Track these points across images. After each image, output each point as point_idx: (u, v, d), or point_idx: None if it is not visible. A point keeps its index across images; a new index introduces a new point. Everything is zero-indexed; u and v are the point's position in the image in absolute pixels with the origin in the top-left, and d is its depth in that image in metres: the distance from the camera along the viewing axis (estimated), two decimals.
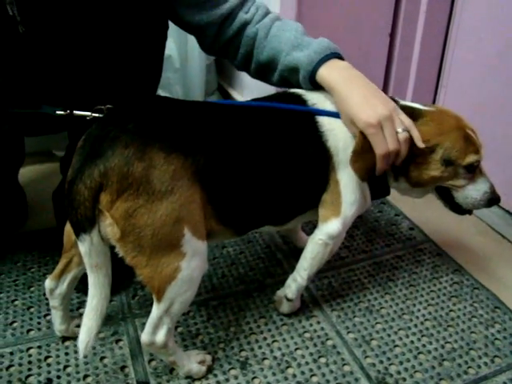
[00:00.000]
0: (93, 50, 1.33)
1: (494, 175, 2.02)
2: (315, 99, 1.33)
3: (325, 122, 1.29)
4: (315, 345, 1.42)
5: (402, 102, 1.37)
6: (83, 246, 1.07)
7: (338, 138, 1.29)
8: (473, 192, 1.39)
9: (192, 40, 2.36)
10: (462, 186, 1.38)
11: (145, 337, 1.20)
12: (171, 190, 1.06)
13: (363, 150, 1.25)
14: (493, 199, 1.41)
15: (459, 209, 1.45)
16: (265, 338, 1.43)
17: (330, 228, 1.34)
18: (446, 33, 2.19)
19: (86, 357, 1.34)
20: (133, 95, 1.38)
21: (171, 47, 2.37)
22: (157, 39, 1.48)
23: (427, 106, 1.39)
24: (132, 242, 1.07)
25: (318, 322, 1.49)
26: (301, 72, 1.36)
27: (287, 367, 1.35)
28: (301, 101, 1.32)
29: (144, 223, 1.05)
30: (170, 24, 2.33)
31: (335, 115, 1.30)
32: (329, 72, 1.31)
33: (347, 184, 1.32)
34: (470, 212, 1.47)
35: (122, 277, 1.56)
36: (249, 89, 2.47)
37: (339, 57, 1.37)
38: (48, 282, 1.31)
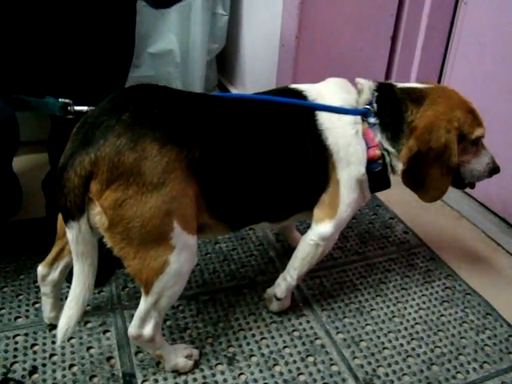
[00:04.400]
0: (61, 25, 1.33)
1: (491, 182, 2.02)
2: (315, 95, 1.31)
3: (325, 119, 1.28)
4: (304, 344, 1.41)
5: (401, 85, 1.35)
6: (71, 233, 1.07)
7: (339, 135, 1.28)
8: (477, 165, 1.38)
9: (194, 35, 2.36)
10: (468, 161, 1.36)
11: (132, 330, 1.19)
12: (163, 182, 1.05)
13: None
14: (494, 169, 1.40)
15: (462, 183, 1.43)
16: (253, 335, 1.42)
17: (322, 229, 1.33)
18: (447, 38, 2.18)
19: (63, 347, 1.33)
20: (104, 73, 1.39)
21: (172, 41, 2.37)
22: (125, 13, 1.48)
23: (424, 84, 1.37)
24: (120, 233, 1.06)
25: (308, 321, 1.48)
26: None
27: (274, 365, 1.34)
28: (301, 97, 1.31)
29: (133, 214, 1.04)
30: (172, 18, 2.34)
31: (336, 110, 1.29)
32: None
33: (347, 183, 1.30)
34: (472, 185, 1.45)
35: (111, 267, 1.56)
36: (249, 86, 2.47)
37: None
38: (40, 269, 1.30)
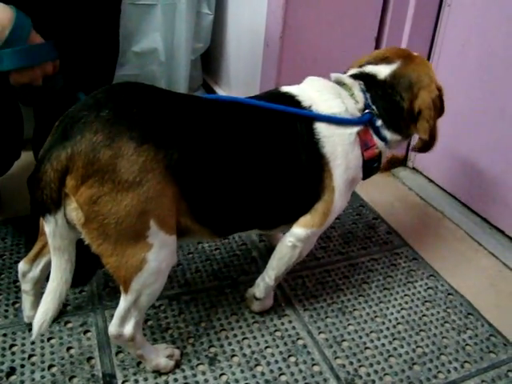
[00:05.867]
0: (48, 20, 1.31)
1: (474, 183, 2.04)
2: (309, 100, 1.29)
3: (323, 127, 1.26)
4: (285, 344, 1.41)
5: (382, 75, 1.35)
6: (48, 227, 1.06)
7: (337, 143, 1.27)
8: None
9: (178, 34, 2.36)
10: None
11: (112, 329, 1.18)
12: (139, 181, 1.04)
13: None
14: None
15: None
16: (235, 335, 1.42)
17: (301, 232, 1.32)
18: (431, 39, 2.20)
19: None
20: (91, 71, 1.38)
21: (157, 40, 2.35)
22: (110, 12, 1.48)
23: (388, 57, 1.38)
24: (96, 229, 1.05)
25: (290, 321, 1.48)
26: None
27: (256, 365, 1.34)
28: (295, 102, 1.28)
29: (108, 211, 1.03)
30: (157, 17, 2.34)
31: (344, 122, 1.29)
32: None
33: (342, 190, 1.30)
34: None
35: (92, 267, 1.54)
36: (234, 85, 2.47)
37: None
38: (21, 265, 1.29)
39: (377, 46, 2.19)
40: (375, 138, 1.34)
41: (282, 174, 1.24)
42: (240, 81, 2.40)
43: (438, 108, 1.37)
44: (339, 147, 1.27)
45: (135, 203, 1.04)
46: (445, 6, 2.10)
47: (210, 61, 2.73)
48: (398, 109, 1.33)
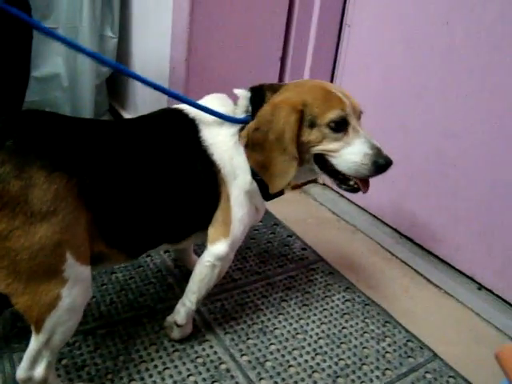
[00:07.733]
0: None
1: (383, 196, 2.10)
2: (194, 112, 1.29)
3: (207, 135, 1.27)
4: (208, 370, 1.37)
5: (271, 83, 1.36)
6: None
7: (222, 149, 1.27)
8: (350, 155, 1.23)
9: (81, 58, 2.29)
10: (336, 151, 1.24)
11: (21, 372, 1.10)
12: (53, 210, 1.00)
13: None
14: (379, 162, 1.23)
15: (347, 183, 1.32)
16: (156, 366, 1.37)
17: (217, 249, 1.31)
18: (334, 59, 2.26)
19: None
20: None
21: (59, 65, 2.28)
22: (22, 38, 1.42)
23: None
24: (6, 268, 0.99)
25: (211, 347, 1.45)
26: None
27: None
28: (181, 115, 1.29)
29: (20, 246, 0.98)
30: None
31: (225, 118, 1.28)
32: None
33: (237, 197, 1.30)
34: (357, 188, 1.33)
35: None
36: (141, 109, 2.43)
37: None
38: None
39: (282, 66, 2.24)
40: None
41: (183, 185, 1.24)
42: (147, 104, 2.37)
43: (280, 130, 1.21)
44: (225, 154, 1.28)
45: (50, 235, 1.00)
46: (345, 27, 2.18)
47: (115, 85, 2.67)
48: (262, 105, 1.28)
